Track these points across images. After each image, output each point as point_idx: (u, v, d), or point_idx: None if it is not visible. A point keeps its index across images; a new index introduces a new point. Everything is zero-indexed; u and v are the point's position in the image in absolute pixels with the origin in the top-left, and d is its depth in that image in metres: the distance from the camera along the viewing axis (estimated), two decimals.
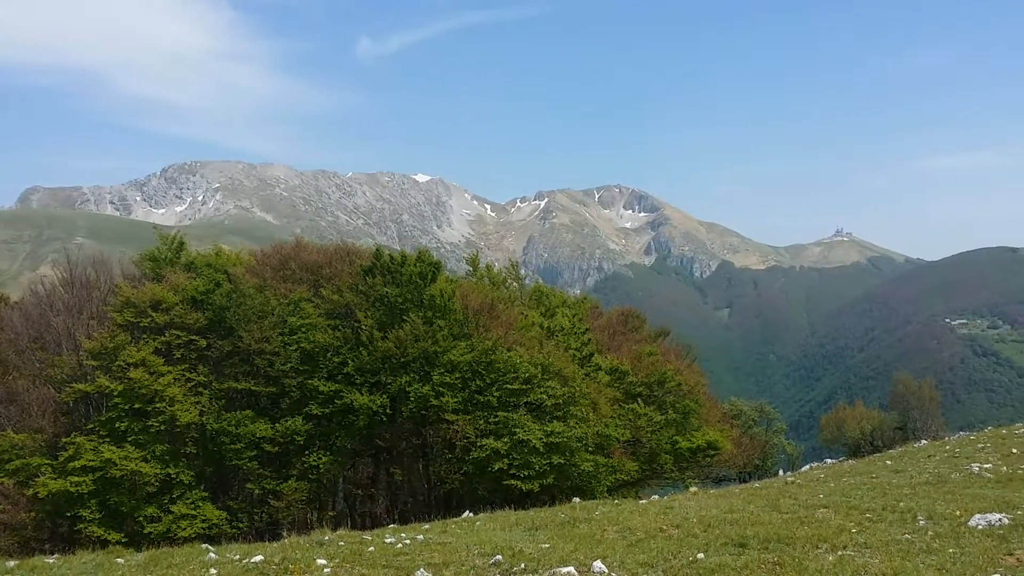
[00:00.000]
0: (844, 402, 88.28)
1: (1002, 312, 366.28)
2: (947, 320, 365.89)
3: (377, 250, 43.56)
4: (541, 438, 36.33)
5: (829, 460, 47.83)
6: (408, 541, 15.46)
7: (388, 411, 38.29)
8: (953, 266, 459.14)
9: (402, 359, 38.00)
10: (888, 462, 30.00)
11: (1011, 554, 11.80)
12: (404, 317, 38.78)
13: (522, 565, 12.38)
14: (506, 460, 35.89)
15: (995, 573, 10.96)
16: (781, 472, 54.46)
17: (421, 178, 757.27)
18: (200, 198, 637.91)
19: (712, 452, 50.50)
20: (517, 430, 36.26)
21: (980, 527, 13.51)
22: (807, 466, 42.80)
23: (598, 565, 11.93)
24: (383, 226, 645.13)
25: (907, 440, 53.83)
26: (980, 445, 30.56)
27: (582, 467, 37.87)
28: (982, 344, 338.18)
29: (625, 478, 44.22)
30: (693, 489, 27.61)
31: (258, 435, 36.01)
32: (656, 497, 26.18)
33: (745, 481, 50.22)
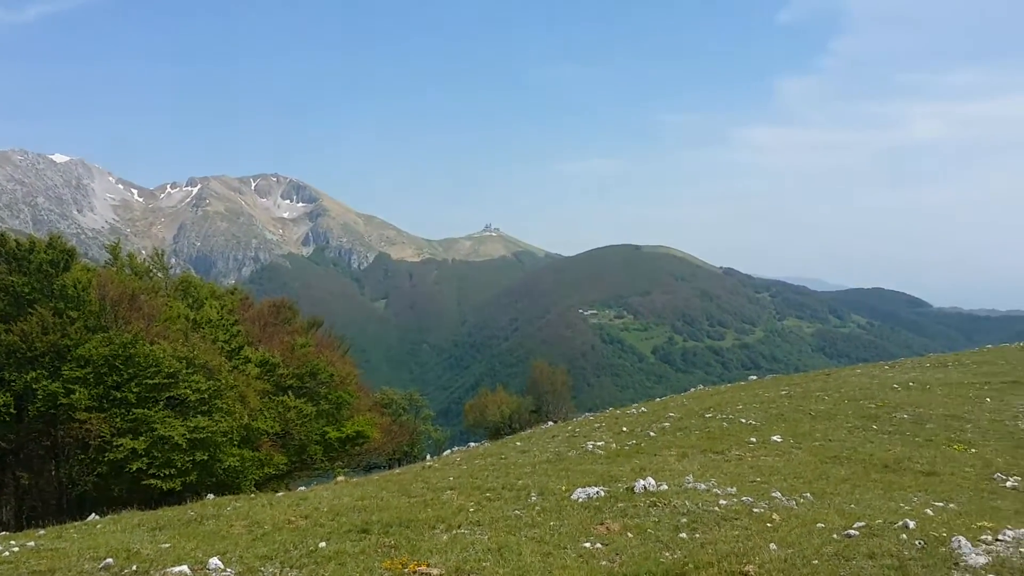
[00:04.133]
0: (487, 388, 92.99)
1: (627, 303, 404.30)
2: (580, 311, 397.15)
3: (1, 235, 39.36)
4: (184, 434, 34.78)
5: (472, 444, 50.17)
6: (16, 549, 14.19)
7: (12, 410, 34.83)
8: (586, 261, 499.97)
9: (28, 353, 34.72)
10: (518, 443, 31.88)
11: (602, 523, 13.17)
12: (31, 308, 35.52)
13: (134, 567, 11.82)
14: (145, 459, 33.90)
15: (586, 541, 12.19)
16: (428, 457, 56.29)
17: (59, 158, 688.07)
18: None
19: (362, 441, 51.13)
20: (157, 426, 34.43)
21: (580, 500, 14.95)
22: (448, 451, 44.66)
23: (215, 562, 11.70)
24: (15, 209, 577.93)
25: (540, 422, 57.77)
26: (597, 425, 33.35)
27: (227, 463, 36.79)
28: (609, 332, 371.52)
29: (274, 471, 43.55)
30: (340, 478, 27.82)
31: None
32: (303, 488, 26.10)
33: (393, 468, 51.37)
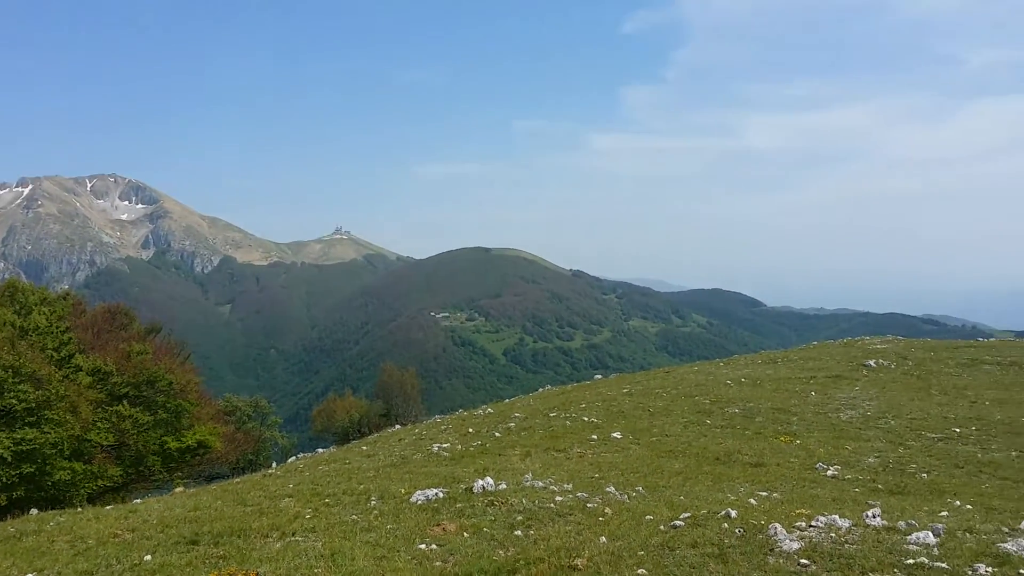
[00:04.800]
0: (336, 393, 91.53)
1: (478, 306, 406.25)
2: (432, 314, 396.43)
3: None
4: (9, 447, 32.77)
5: (320, 450, 49.28)
6: None
7: None
8: (438, 264, 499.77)
9: None
10: (364, 448, 31.58)
11: (439, 524, 13.18)
12: None
13: None
14: None
15: (422, 543, 12.18)
16: (274, 465, 54.96)
17: None
18: None
19: (203, 451, 49.44)
20: None
21: (419, 502, 14.92)
22: (294, 457, 43.76)
23: None
24: None
25: (390, 426, 57.33)
26: (444, 427, 33.41)
27: (57, 476, 34.88)
28: (461, 335, 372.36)
29: (109, 484, 41.52)
30: (179, 489, 26.79)
31: None
32: (138, 501, 25.00)
33: (239, 475, 49.96)
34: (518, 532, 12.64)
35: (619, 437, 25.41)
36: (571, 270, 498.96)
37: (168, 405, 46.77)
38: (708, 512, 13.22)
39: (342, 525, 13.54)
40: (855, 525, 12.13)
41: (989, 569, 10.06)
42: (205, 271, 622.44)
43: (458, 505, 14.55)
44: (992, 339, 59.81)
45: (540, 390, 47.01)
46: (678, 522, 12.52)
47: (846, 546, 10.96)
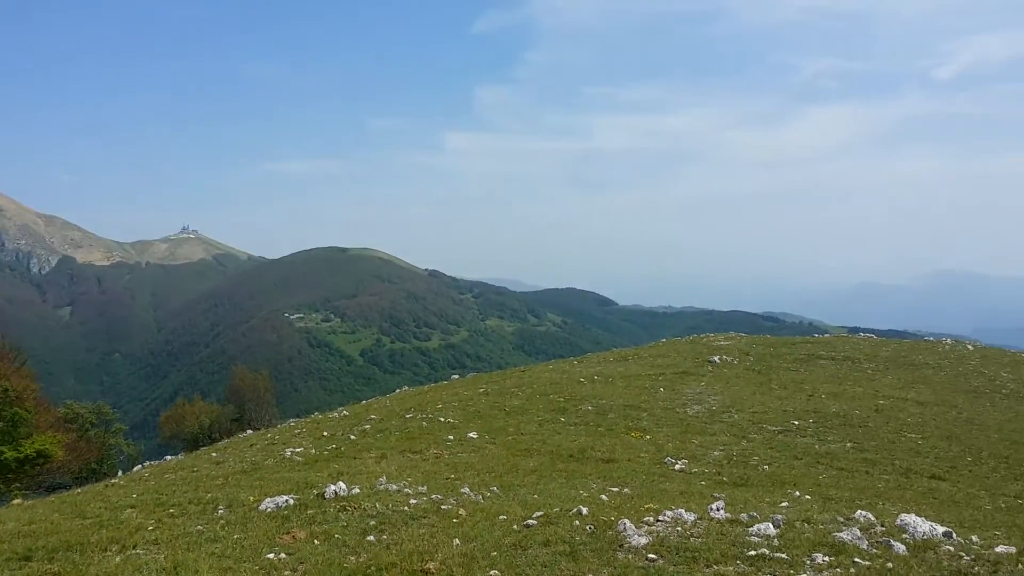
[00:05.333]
0: (185, 398, 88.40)
1: (334, 306, 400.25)
2: (286, 315, 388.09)
3: None
4: None
5: (168, 457, 47.41)
6: None
7: None
8: (291, 264, 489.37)
9: None
10: (213, 454, 30.58)
11: (289, 532, 12.85)
12: None
13: None
14: None
15: (270, 552, 11.82)
16: (120, 474, 52.63)
17: None
18: None
19: (43, 460, 47.00)
20: None
21: (269, 510, 14.50)
22: (139, 466, 41.99)
23: None
24: None
25: (242, 430, 55.78)
26: (298, 431, 32.68)
27: None
28: (317, 336, 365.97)
29: None
30: (17, 501, 25.22)
31: None
32: None
33: (82, 486, 47.61)
34: (371, 537, 12.47)
35: (475, 437, 25.48)
36: (427, 270, 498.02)
37: (3, 413, 44.36)
38: (560, 510, 13.39)
39: (187, 536, 13.01)
40: (700, 518, 12.53)
41: (826, 559, 10.57)
42: (43, 272, 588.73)
43: (309, 512, 14.23)
44: (827, 335, 63.19)
45: (397, 391, 46.70)
46: (531, 521, 12.63)
47: (692, 539, 11.30)
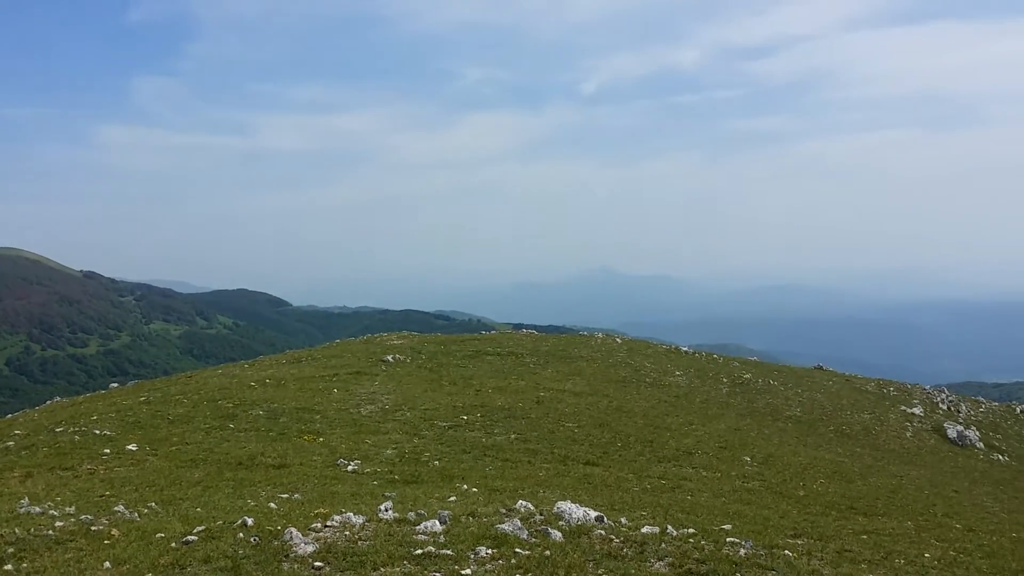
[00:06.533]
0: None
1: None
2: None
3: None
4: None
5: None
6: None
7: None
8: None
9: None
10: None
11: None
12: None
13: None
14: None
15: None
16: None
17: None
18: None
19: None
20: None
21: None
22: None
23: None
24: None
25: None
26: None
27: None
28: None
29: None
30: None
31: None
32: None
33: None
34: (8, 567, 11.20)
35: (135, 449, 23.81)
36: (83, 271, 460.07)
37: None
38: (224, 522, 12.81)
39: None
40: (369, 520, 12.53)
41: (489, 551, 10.96)
42: None
43: None
44: (493, 331, 65.97)
45: (48, 403, 42.57)
46: (191, 537, 11.96)
47: (359, 543, 11.27)
